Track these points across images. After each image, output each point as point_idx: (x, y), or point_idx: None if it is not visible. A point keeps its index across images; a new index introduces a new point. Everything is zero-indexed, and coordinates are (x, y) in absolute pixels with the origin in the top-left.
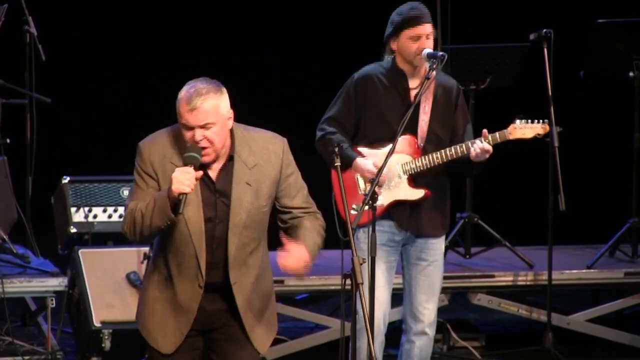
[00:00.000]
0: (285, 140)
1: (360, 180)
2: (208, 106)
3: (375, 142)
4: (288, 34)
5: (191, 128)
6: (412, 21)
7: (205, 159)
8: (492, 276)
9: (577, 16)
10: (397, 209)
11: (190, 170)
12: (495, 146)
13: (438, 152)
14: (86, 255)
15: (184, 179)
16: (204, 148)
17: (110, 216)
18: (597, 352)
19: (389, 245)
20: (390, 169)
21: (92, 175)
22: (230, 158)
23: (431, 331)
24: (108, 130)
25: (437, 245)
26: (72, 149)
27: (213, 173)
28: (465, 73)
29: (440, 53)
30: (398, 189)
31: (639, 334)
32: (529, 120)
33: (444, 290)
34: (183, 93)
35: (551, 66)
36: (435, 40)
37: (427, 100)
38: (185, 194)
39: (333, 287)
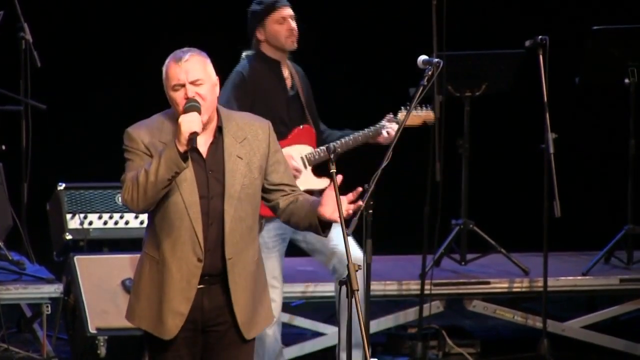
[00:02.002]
0: (269, 122)
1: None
2: (196, 61)
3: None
4: None
5: (181, 86)
6: (274, 5)
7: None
8: (488, 283)
9: (572, 23)
10: None
11: (195, 114)
12: (491, 153)
13: (341, 142)
14: (81, 262)
15: (192, 119)
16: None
17: (105, 223)
18: (592, 358)
19: (283, 236)
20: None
21: (88, 181)
22: (220, 131)
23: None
24: (103, 137)
25: None
26: (68, 155)
27: (203, 149)
28: (461, 79)
29: (436, 59)
30: (305, 181)
31: (634, 341)
32: (417, 108)
33: (439, 296)
34: (169, 58)
35: (547, 73)
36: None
37: (301, 89)
38: (197, 133)
39: (328, 294)
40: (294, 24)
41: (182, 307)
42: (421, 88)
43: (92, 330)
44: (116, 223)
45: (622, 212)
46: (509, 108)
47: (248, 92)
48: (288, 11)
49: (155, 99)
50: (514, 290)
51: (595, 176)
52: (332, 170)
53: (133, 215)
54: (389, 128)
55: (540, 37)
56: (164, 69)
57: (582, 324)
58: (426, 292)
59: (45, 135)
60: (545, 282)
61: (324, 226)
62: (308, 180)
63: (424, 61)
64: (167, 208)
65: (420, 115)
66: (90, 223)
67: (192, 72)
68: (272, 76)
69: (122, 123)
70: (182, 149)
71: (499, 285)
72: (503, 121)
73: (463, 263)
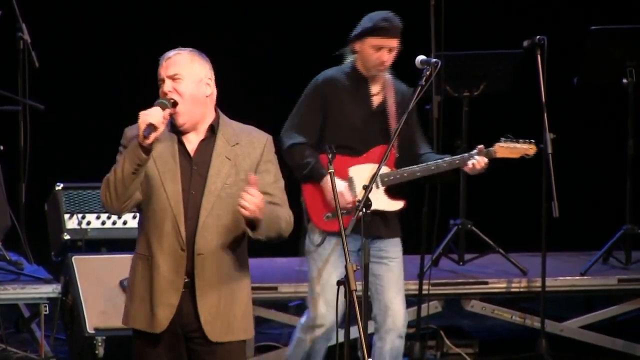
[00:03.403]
0: (270, 136)
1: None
2: (180, 58)
3: (338, 148)
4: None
5: (162, 80)
6: (379, 31)
7: (177, 115)
8: (486, 283)
9: (570, 23)
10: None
11: (157, 108)
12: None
13: (423, 167)
14: (79, 262)
15: (149, 112)
16: (173, 101)
17: (103, 223)
18: (590, 358)
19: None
20: (362, 178)
21: (86, 182)
22: (212, 131)
23: (403, 328)
24: (101, 137)
25: (396, 246)
26: (66, 155)
27: (191, 146)
28: (459, 80)
29: (434, 60)
30: (376, 200)
31: (632, 341)
32: (515, 140)
33: (437, 296)
34: None
35: (545, 73)
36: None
37: (393, 107)
38: (153, 125)
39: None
40: (387, 57)
41: (171, 298)
42: (419, 88)
43: (90, 330)
44: (114, 223)
45: (620, 212)
46: (507, 108)
47: (317, 98)
48: (389, 42)
49: (153, 100)
50: (512, 290)
51: (594, 176)
52: (330, 170)
53: (131, 215)
54: (476, 159)
55: (538, 37)
56: None
57: (580, 324)
58: (424, 292)
59: (44, 135)
60: (544, 282)
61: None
62: (380, 201)
63: (422, 61)
64: (152, 204)
65: (518, 147)
66: (89, 223)
67: (171, 67)
68: (356, 89)
69: (120, 123)
70: (140, 141)
71: (497, 285)
72: (501, 121)
73: (461, 263)
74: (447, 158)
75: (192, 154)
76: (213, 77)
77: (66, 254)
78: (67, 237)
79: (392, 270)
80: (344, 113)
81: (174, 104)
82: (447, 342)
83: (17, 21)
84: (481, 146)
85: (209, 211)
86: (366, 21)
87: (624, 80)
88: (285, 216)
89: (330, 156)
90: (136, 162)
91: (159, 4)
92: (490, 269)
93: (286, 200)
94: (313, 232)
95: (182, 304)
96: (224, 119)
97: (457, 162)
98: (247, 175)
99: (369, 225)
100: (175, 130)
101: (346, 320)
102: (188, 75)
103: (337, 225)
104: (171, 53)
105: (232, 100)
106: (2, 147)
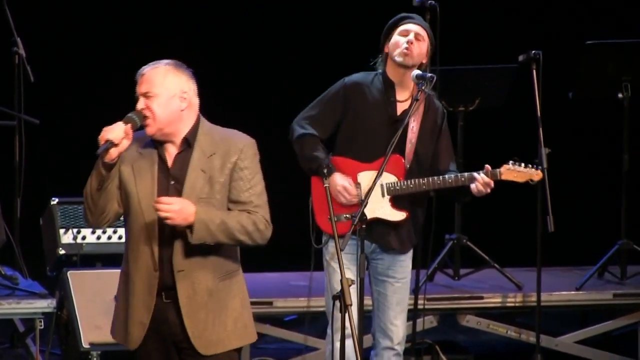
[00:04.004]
0: (253, 141)
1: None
2: (152, 75)
3: (351, 152)
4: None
5: (138, 97)
6: (404, 19)
7: (147, 130)
8: (481, 297)
9: (566, 37)
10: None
11: (120, 123)
12: (483, 167)
13: (430, 180)
14: (75, 277)
15: (109, 128)
16: (145, 116)
17: (99, 238)
18: None
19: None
20: (370, 184)
21: (81, 196)
22: (188, 144)
23: (400, 347)
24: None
25: (405, 262)
26: (61, 170)
27: (169, 158)
28: (454, 94)
29: (429, 74)
30: (379, 208)
31: (627, 356)
32: (522, 164)
33: (432, 311)
34: None
35: (540, 87)
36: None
37: (416, 121)
38: (111, 141)
39: (322, 309)
40: (413, 39)
41: (143, 317)
42: (415, 103)
43: (85, 345)
44: (109, 238)
45: (615, 227)
46: (502, 123)
47: (339, 97)
48: (415, 27)
49: None
50: (508, 305)
51: (589, 191)
52: (325, 185)
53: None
54: (482, 177)
55: (533, 51)
56: None
57: (576, 339)
58: (420, 306)
59: (39, 150)
60: (539, 296)
61: None
62: (383, 209)
63: (417, 76)
64: (130, 222)
65: (524, 172)
66: (84, 238)
67: (144, 84)
68: (382, 95)
69: None
70: (100, 157)
71: (493, 300)
72: (496, 136)
73: (456, 278)
74: (454, 175)
75: (169, 167)
76: (192, 89)
77: (61, 269)
78: (62, 251)
79: (397, 292)
80: (363, 118)
81: (144, 118)
82: (443, 357)
83: (12, 35)
84: (488, 166)
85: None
86: (389, 23)
87: (619, 95)
88: (246, 223)
89: (326, 171)
90: (99, 178)
91: (155, 19)
92: (485, 283)
93: (262, 205)
94: (318, 230)
95: (168, 315)
96: (204, 127)
97: (463, 179)
98: (222, 188)
99: (379, 235)
100: (156, 143)
101: (341, 334)
102: (160, 92)
103: (340, 230)
104: (146, 69)
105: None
106: None
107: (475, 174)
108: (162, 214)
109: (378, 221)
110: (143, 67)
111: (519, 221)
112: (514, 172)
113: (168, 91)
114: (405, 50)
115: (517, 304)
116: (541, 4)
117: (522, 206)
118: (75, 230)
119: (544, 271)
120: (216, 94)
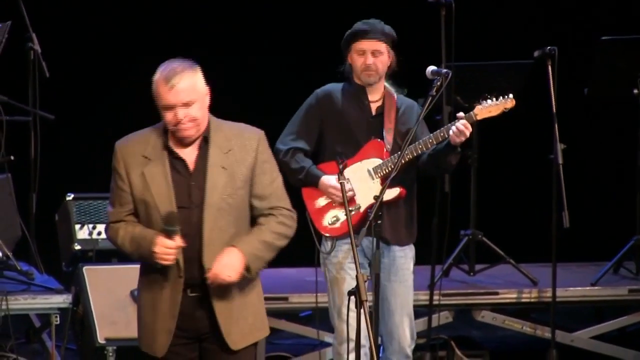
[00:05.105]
0: (262, 132)
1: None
2: (187, 83)
3: (337, 155)
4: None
5: (172, 107)
6: (357, 35)
7: (189, 135)
8: (496, 293)
9: (581, 33)
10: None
11: (169, 244)
12: (500, 163)
13: (412, 146)
14: (90, 272)
15: (165, 255)
16: (187, 136)
17: None
18: None
19: (367, 257)
20: (358, 175)
21: (96, 192)
22: (205, 141)
23: (409, 349)
24: (112, 147)
25: (405, 264)
26: (76, 166)
27: (188, 158)
28: (469, 90)
29: (445, 70)
30: (373, 191)
31: None
32: (494, 98)
33: (447, 306)
34: (159, 74)
35: (555, 83)
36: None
37: (391, 112)
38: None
39: None
40: (372, 60)
41: (169, 323)
42: (430, 98)
43: (100, 340)
44: None
45: (630, 223)
46: (517, 119)
47: (315, 108)
48: (369, 45)
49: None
50: (523, 300)
51: (604, 187)
52: (341, 181)
53: None
54: (456, 124)
55: (549, 47)
56: (154, 83)
57: (591, 335)
58: (435, 302)
59: (54, 145)
60: (554, 292)
61: None
62: (374, 191)
63: (432, 72)
64: (151, 227)
65: (497, 104)
66: (99, 233)
67: (182, 94)
68: (353, 99)
69: (130, 133)
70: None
71: (508, 296)
72: (512, 132)
73: (472, 273)
74: (432, 134)
75: (190, 168)
76: None
77: (77, 264)
78: (77, 247)
79: (400, 295)
80: (343, 122)
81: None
82: (458, 352)
83: (27, 31)
84: (460, 113)
85: (212, 225)
86: (348, 32)
87: (634, 91)
88: (278, 229)
89: (341, 167)
90: (142, 259)
91: (169, 15)
92: (500, 279)
93: (284, 196)
94: (322, 238)
95: (195, 311)
96: (214, 123)
97: (442, 133)
98: (244, 183)
99: (379, 231)
100: (167, 146)
101: (356, 332)
102: (197, 97)
103: (342, 230)
104: (176, 78)
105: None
106: (12, 158)
107: (451, 124)
108: (225, 282)
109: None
110: (165, 75)
111: (534, 217)
112: (487, 108)
113: (201, 93)
114: (367, 72)
115: (532, 300)
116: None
117: (537, 202)
118: (90, 225)
119: (559, 267)
120: (217, 94)
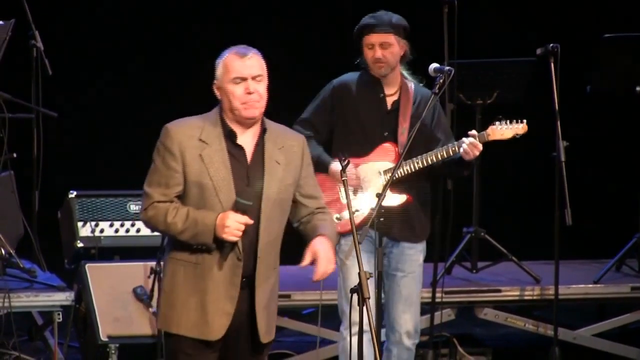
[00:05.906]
0: (303, 137)
1: (342, 190)
2: (258, 59)
3: (350, 150)
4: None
5: (244, 79)
6: (365, 29)
7: (253, 115)
8: (499, 291)
9: (583, 31)
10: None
11: (241, 219)
12: (502, 161)
13: (422, 156)
14: (93, 270)
15: (234, 229)
16: (252, 116)
17: (117, 231)
18: None
19: (371, 251)
20: (369, 176)
21: (99, 189)
22: (264, 132)
23: (410, 341)
24: (115, 144)
25: (414, 256)
26: (79, 163)
27: (247, 147)
28: (472, 88)
29: (447, 67)
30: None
31: None
32: (508, 121)
33: (450, 304)
34: (229, 53)
35: (558, 81)
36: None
37: (407, 109)
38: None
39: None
40: (381, 53)
41: (227, 306)
42: (432, 96)
43: (103, 338)
44: (127, 231)
45: (633, 220)
46: (520, 116)
47: (330, 99)
48: (378, 38)
49: (168, 109)
50: (525, 298)
51: (607, 184)
52: (343, 178)
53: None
54: (470, 142)
55: (551, 45)
56: (221, 61)
57: (593, 332)
58: (437, 300)
59: (57, 143)
60: (557, 290)
61: None
62: (385, 197)
63: (435, 69)
64: (207, 209)
65: (511, 128)
66: (102, 231)
67: (254, 67)
68: (368, 91)
69: (133, 131)
70: (219, 235)
71: (510, 293)
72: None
73: (474, 271)
74: (444, 146)
75: (247, 158)
76: None
77: (79, 262)
78: (80, 244)
79: (405, 286)
80: (357, 116)
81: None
82: (460, 350)
83: (30, 29)
84: (473, 131)
85: (268, 216)
86: (357, 26)
87: (637, 88)
88: (334, 225)
89: (344, 164)
90: (199, 244)
91: (171, 13)
92: (503, 276)
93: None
94: None
95: (241, 305)
96: (264, 118)
97: (453, 147)
98: (293, 181)
99: (386, 226)
100: (228, 131)
101: (358, 328)
102: (265, 76)
103: (347, 226)
104: (250, 53)
105: None
106: (15, 155)
107: (463, 139)
108: (330, 271)
109: (384, 212)
110: (238, 50)
111: (537, 214)
112: (500, 131)
113: (266, 75)
114: (377, 64)
115: (534, 297)
116: None
117: (540, 199)
118: (93, 223)
119: (562, 264)
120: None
